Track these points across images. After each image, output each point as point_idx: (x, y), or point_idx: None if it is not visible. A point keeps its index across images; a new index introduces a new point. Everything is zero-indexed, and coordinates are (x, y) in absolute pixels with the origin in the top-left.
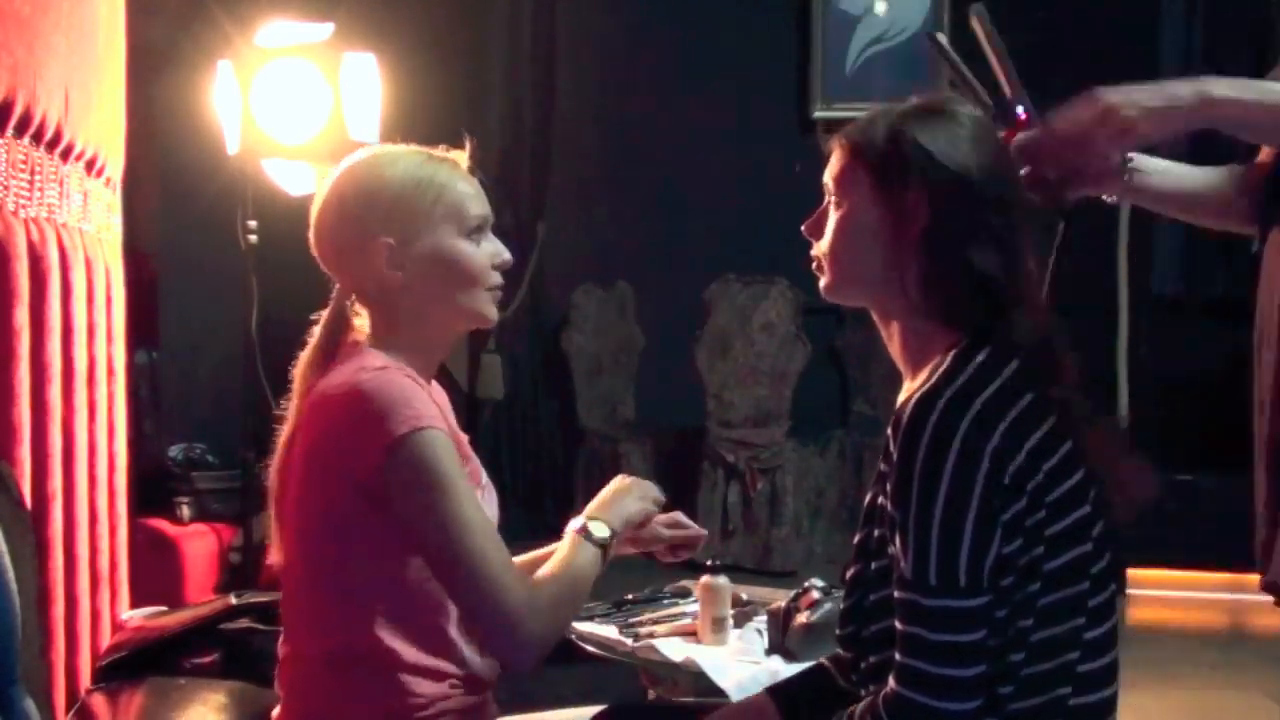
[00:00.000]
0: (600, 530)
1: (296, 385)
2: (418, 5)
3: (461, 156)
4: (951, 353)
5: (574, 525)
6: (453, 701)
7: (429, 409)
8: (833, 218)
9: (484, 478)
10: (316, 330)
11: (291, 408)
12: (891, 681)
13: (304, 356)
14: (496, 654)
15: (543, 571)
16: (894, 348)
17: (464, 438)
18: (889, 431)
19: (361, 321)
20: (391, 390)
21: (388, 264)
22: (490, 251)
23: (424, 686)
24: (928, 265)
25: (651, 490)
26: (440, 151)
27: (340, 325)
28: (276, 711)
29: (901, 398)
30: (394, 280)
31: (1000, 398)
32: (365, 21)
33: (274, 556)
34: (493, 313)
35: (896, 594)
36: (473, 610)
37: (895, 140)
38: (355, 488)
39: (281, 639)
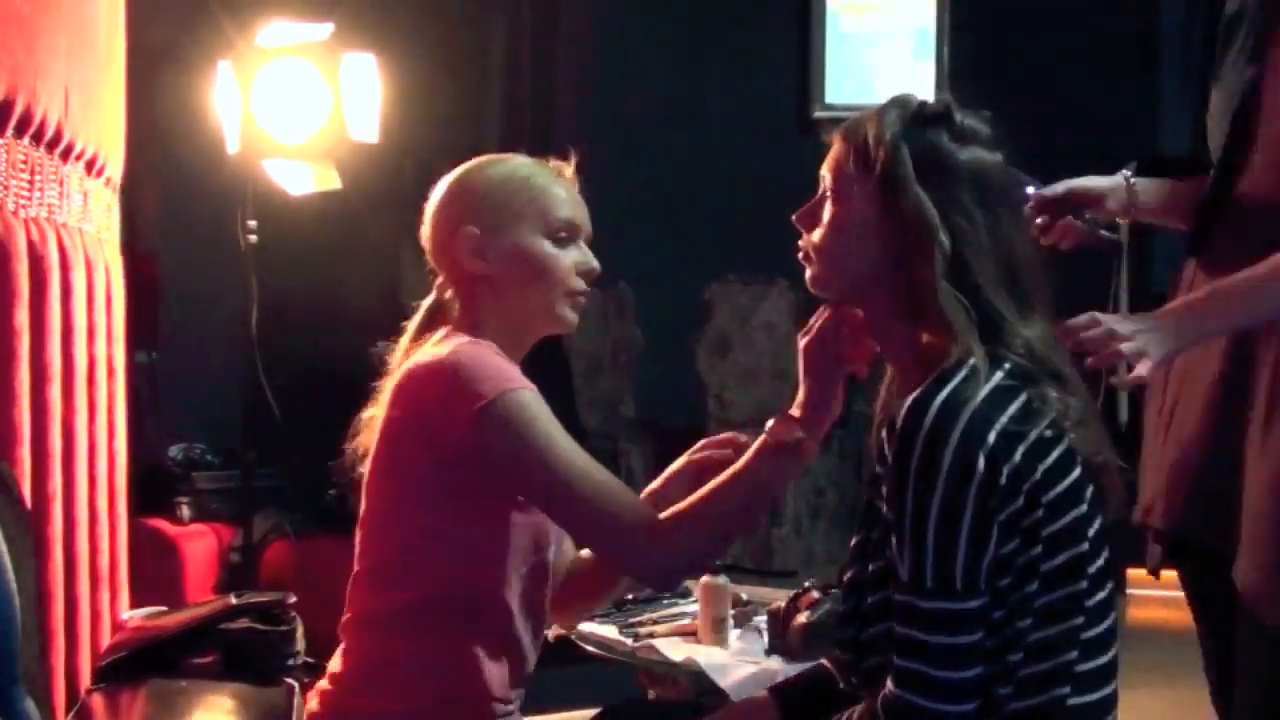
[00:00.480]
0: (794, 436)
1: (393, 369)
2: (418, 5)
3: (566, 167)
4: (945, 355)
5: (774, 423)
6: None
7: (517, 373)
8: (828, 211)
9: None
10: (415, 317)
11: (382, 391)
12: (890, 684)
13: (402, 342)
14: (639, 578)
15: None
16: (883, 347)
17: None
18: (883, 434)
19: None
20: (480, 359)
21: (471, 252)
22: (575, 258)
23: (475, 666)
24: (923, 275)
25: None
26: (545, 160)
27: (437, 313)
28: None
29: (895, 399)
30: (477, 269)
31: (995, 399)
32: (365, 21)
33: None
34: (570, 317)
35: (894, 596)
36: (595, 546)
37: (902, 143)
38: (441, 460)
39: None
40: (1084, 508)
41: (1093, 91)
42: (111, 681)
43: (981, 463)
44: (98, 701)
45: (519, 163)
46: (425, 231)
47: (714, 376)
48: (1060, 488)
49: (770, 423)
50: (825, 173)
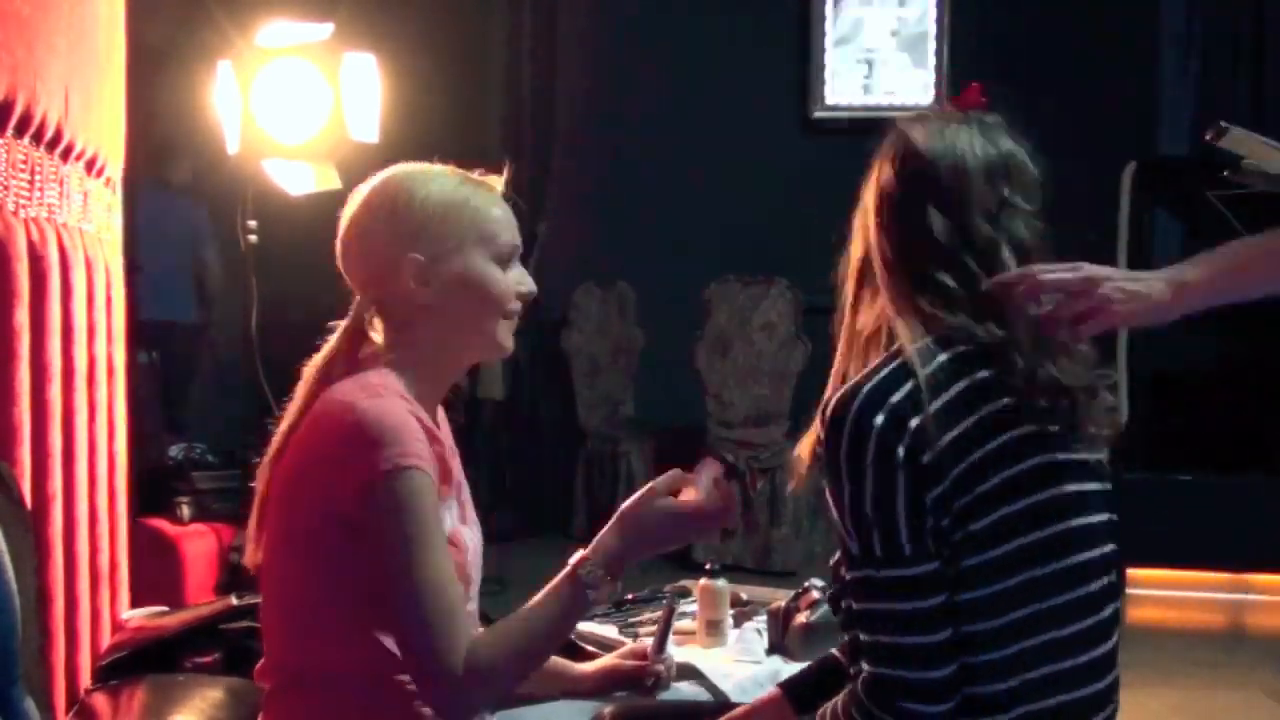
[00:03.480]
0: (590, 575)
1: (301, 389)
2: (418, 5)
3: (497, 181)
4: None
5: (574, 558)
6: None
7: (417, 446)
8: None
9: (469, 508)
10: (332, 339)
11: (292, 409)
12: (865, 664)
13: (315, 361)
14: (426, 702)
15: (505, 623)
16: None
17: (455, 459)
18: (818, 417)
19: (377, 337)
20: (385, 421)
21: (415, 280)
22: (516, 278)
23: (389, 706)
24: (890, 245)
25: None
26: (477, 175)
27: (358, 337)
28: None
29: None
30: (420, 297)
31: (932, 383)
32: (365, 21)
33: (250, 557)
34: (509, 343)
35: (849, 575)
36: (411, 655)
37: (892, 145)
38: (333, 515)
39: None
40: (1039, 495)
41: (1093, 91)
42: (111, 681)
43: (901, 452)
44: (98, 701)
45: (454, 181)
46: (349, 254)
47: (714, 376)
48: (1000, 477)
49: (573, 559)
50: None
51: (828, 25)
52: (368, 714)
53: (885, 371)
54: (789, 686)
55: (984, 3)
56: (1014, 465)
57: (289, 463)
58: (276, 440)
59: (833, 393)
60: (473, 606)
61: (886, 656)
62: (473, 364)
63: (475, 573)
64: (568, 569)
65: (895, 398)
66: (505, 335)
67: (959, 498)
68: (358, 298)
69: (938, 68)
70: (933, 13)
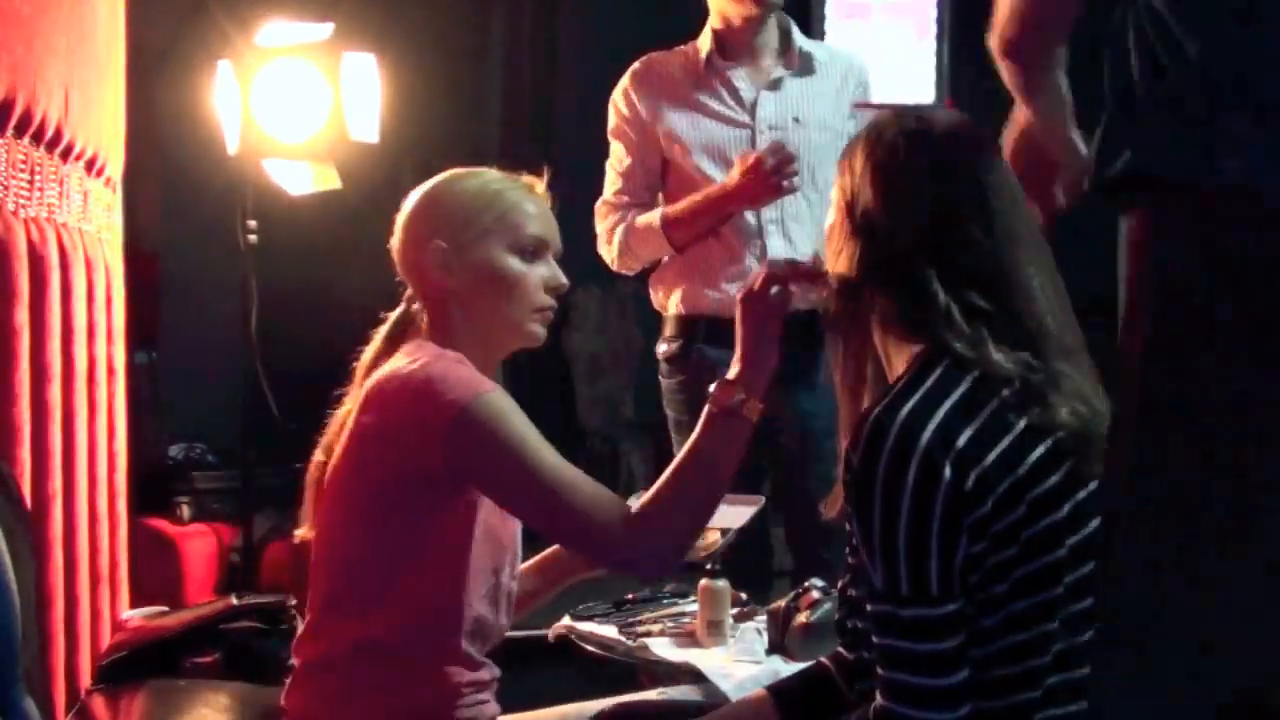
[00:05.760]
0: (736, 399)
1: (358, 377)
2: (418, 5)
3: (538, 183)
4: (914, 364)
5: (714, 389)
6: (458, 706)
7: (485, 380)
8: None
9: None
10: (382, 328)
11: (350, 398)
12: (878, 696)
13: (369, 350)
14: (620, 570)
15: (665, 473)
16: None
17: None
18: (847, 443)
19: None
20: (450, 370)
21: (439, 266)
22: (543, 274)
23: (430, 685)
24: (876, 273)
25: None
26: (518, 175)
27: (405, 325)
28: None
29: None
30: (444, 284)
31: (962, 407)
32: (365, 21)
33: (305, 534)
34: (538, 333)
35: (870, 607)
36: (571, 542)
37: (858, 144)
38: (404, 473)
39: (305, 618)
40: (1057, 515)
41: (1093, 89)
42: (112, 681)
43: (948, 470)
44: (98, 701)
45: (490, 177)
46: (395, 243)
47: None
48: (1035, 493)
49: (711, 389)
50: None
51: (827, 24)
52: (401, 686)
53: (928, 384)
54: (775, 692)
55: (983, 4)
56: (1040, 485)
57: (354, 438)
58: (333, 426)
59: (869, 410)
60: (514, 585)
61: (902, 695)
62: (510, 352)
63: (516, 544)
64: (710, 405)
65: (942, 411)
66: (530, 325)
67: (996, 522)
68: (408, 290)
69: (939, 65)
70: (934, 10)
